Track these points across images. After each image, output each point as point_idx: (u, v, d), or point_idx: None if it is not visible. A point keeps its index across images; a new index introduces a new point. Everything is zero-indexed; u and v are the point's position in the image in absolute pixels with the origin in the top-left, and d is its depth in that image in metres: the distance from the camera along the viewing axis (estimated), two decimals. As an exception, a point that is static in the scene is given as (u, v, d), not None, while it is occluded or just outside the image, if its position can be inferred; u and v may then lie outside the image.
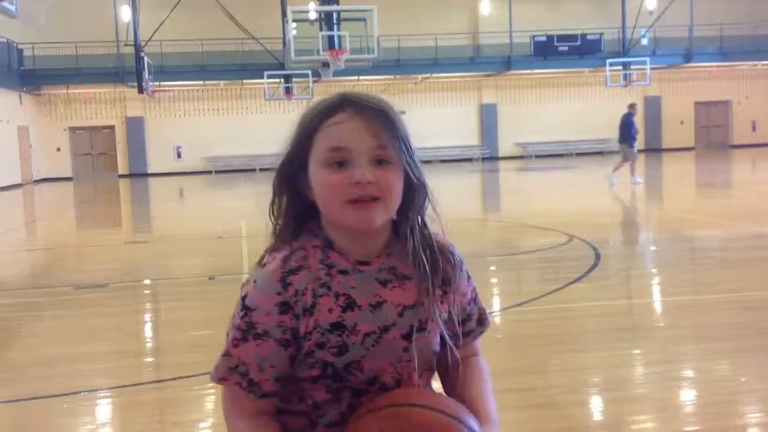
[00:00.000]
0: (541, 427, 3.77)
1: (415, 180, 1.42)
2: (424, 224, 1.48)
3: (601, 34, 31.78)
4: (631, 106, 18.66)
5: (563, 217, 12.14)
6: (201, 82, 31.60)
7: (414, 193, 1.44)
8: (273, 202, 1.44)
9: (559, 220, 11.50)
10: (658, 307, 6.54)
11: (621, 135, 18.44)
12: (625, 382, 4.46)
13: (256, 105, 32.30)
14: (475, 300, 1.60)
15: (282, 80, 29.80)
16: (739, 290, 6.65)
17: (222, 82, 31.88)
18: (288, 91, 29.91)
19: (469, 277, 1.59)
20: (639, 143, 34.64)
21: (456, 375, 1.57)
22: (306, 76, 28.66)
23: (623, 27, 32.23)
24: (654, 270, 8.18)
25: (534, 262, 8.73)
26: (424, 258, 1.45)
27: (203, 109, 32.71)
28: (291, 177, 1.41)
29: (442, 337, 1.50)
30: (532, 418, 3.89)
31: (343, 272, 1.39)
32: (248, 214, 15.02)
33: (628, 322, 5.92)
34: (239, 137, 32.03)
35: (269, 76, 28.90)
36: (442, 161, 33.04)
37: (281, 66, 29.11)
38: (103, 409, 4.41)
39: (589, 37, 31.68)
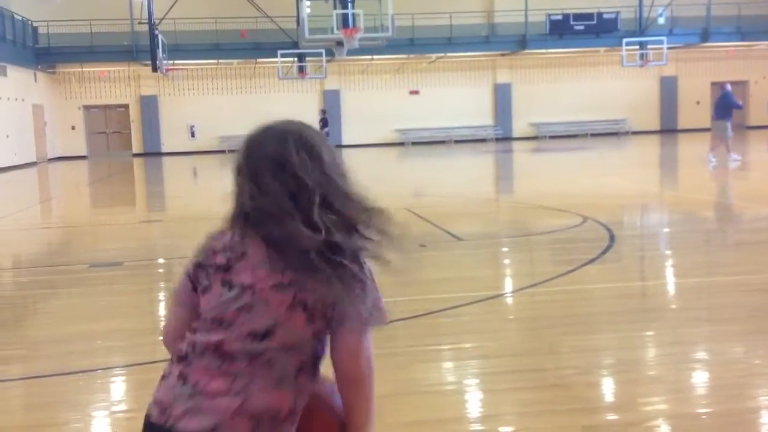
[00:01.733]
0: (552, 408, 3.78)
1: None
2: None
3: (617, 12, 31.44)
4: (724, 85, 18.47)
5: (577, 198, 12.09)
6: (215, 61, 31.57)
7: None
8: None
9: (573, 202, 11.46)
10: (671, 288, 6.52)
11: (719, 112, 18.08)
12: (638, 363, 4.47)
13: (269, 84, 32.26)
14: None
15: (295, 59, 29.72)
16: (754, 272, 6.62)
17: (235, 61, 31.83)
18: (301, 70, 29.83)
19: None
20: (655, 123, 34.77)
21: None
22: (320, 55, 28.57)
23: (640, 5, 31.87)
24: (668, 252, 8.15)
25: (547, 243, 8.71)
26: None
27: (217, 88, 32.71)
28: None
29: None
30: (543, 398, 3.90)
31: None
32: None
33: (641, 304, 5.91)
34: (252, 116, 31.02)
35: (283, 55, 28.82)
36: (456, 141, 32.94)
37: (295, 45, 29.02)
38: (119, 386, 4.46)
39: (605, 15, 31.34)
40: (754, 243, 8.13)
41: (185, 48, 29.84)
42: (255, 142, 1.73)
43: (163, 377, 1.71)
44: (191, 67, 31.45)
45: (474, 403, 4.05)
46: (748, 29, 32.07)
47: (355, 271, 1.63)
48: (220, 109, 32.21)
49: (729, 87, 18.50)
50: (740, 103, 18.44)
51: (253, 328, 1.62)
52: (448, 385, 4.26)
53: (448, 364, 4.53)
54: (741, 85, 35.16)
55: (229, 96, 32.58)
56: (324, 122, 25.53)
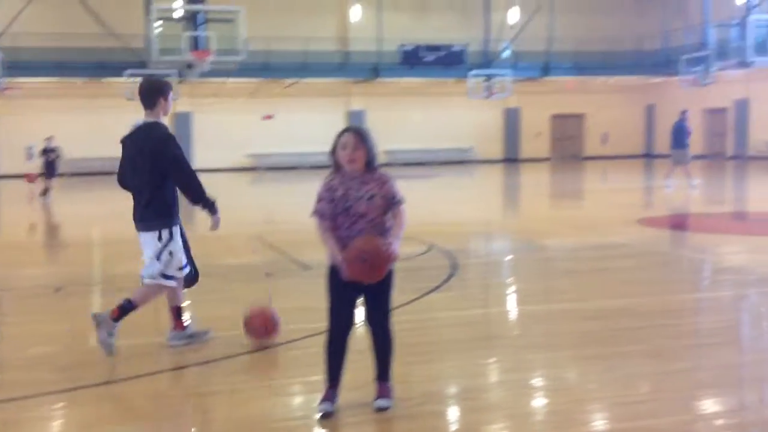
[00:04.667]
0: (394, 441, 3.77)
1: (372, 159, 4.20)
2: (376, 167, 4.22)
3: (465, 45, 32.64)
4: (683, 113, 19.20)
5: (423, 226, 12.32)
6: (57, 80, 30.01)
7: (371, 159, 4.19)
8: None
9: (419, 230, 11.64)
10: (511, 316, 6.75)
11: (675, 140, 18.86)
12: (479, 391, 4.57)
13: (116, 104, 30.92)
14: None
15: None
16: (585, 299, 6.96)
17: (80, 80, 30.41)
18: (150, 91, 28.90)
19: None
20: (499, 152, 36.28)
21: None
22: (170, 76, 27.83)
23: (486, 39, 33.28)
24: (508, 280, 8.46)
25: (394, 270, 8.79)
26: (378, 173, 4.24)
27: (59, 108, 31.06)
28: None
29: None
30: (389, 429, 3.89)
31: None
32: (101, 221, 14.37)
33: (484, 332, 6.07)
34: (98, 138, 30.51)
35: (131, 75, 27.83)
36: (310, 167, 32.94)
37: (143, 65, 28.14)
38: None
39: (453, 48, 32.48)
40: (585, 271, 8.58)
41: (25, 65, 28.22)
42: (348, 133, 4.11)
43: (343, 237, 4.11)
44: (32, 85, 29.75)
45: (316, 438, 3.98)
46: (585, 65, 34.18)
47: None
48: (62, 130, 30.50)
49: (687, 114, 19.19)
50: (688, 142, 18.85)
51: (374, 212, 4.13)
52: (290, 421, 4.17)
53: (288, 399, 4.44)
54: (578, 117, 37.34)
55: (72, 116, 31.00)
56: (46, 152, 20.30)
